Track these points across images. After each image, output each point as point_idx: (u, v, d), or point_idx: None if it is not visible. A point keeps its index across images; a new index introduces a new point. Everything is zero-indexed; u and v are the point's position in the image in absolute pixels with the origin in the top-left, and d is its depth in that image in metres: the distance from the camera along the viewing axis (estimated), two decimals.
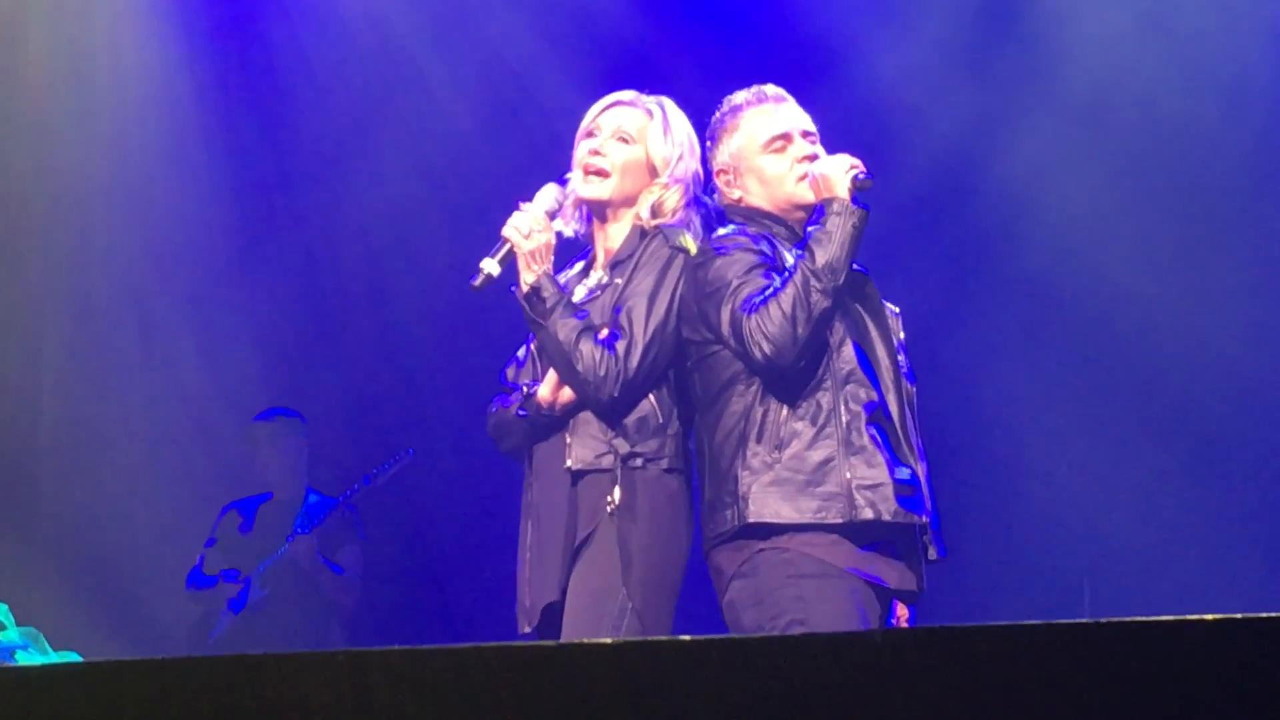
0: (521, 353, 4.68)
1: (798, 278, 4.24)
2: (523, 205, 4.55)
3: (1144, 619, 2.56)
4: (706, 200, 4.61)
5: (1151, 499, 7.70)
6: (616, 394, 4.37)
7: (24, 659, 5.40)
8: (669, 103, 4.66)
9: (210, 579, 7.89)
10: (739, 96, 4.60)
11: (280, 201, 8.50)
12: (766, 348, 4.23)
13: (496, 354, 4.96)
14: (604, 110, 4.64)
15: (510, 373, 4.67)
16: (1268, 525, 7.63)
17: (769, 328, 4.22)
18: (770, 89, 4.61)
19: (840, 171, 4.36)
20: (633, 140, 4.58)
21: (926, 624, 4.00)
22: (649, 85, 4.72)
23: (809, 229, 4.34)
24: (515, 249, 4.48)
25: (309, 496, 7.96)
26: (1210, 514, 7.65)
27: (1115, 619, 2.56)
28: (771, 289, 4.26)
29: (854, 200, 4.33)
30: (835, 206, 4.32)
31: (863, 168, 4.37)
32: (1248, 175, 7.75)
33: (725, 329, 4.31)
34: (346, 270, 8.48)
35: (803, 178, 4.46)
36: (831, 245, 4.27)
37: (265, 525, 7.91)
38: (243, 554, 7.85)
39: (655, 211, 4.55)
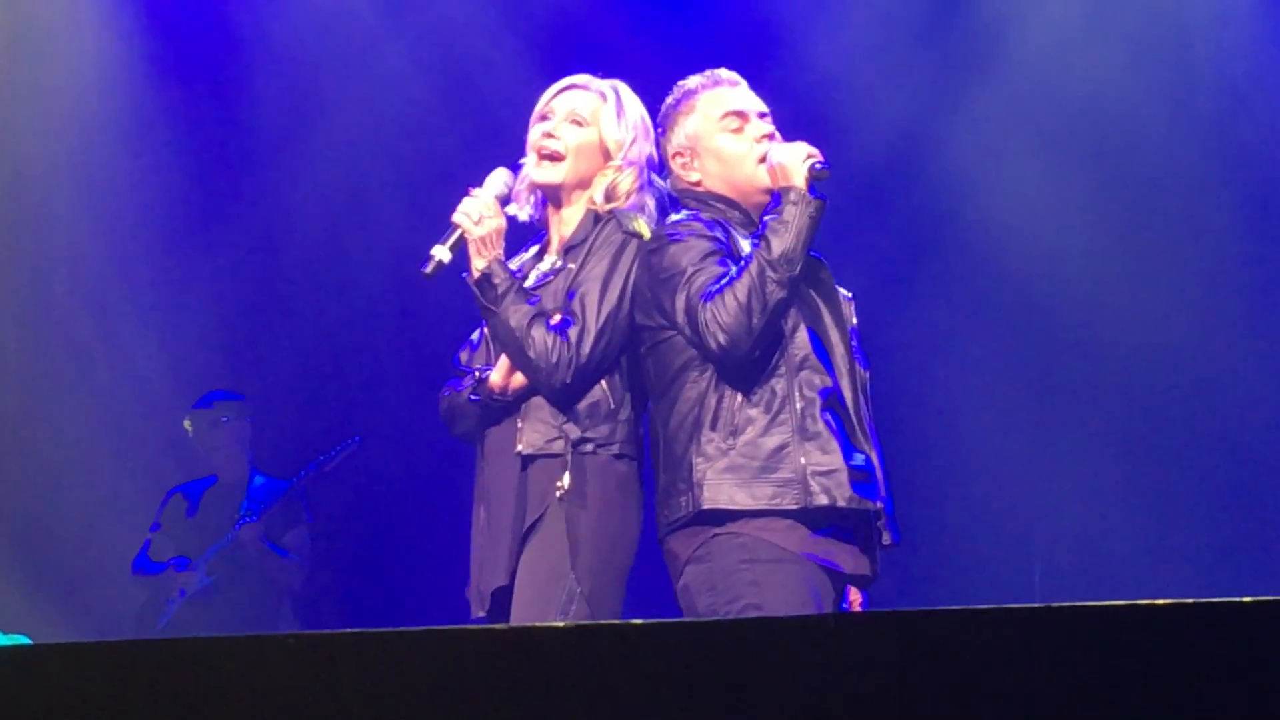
0: (475, 336, 4.67)
1: (753, 267, 4.23)
2: (473, 191, 4.54)
3: (1093, 604, 2.57)
4: (661, 184, 4.61)
5: (1101, 484, 7.74)
6: (569, 380, 4.36)
7: None
8: (623, 86, 4.65)
9: (158, 565, 7.86)
10: (692, 81, 4.60)
11: (233, 183, 8.46)
12: (721, 338, 4.22)
13: (449, 336, 4.95)
14: (558, 94, 4.63)
15: (463, 356, 4.66)
16: (1217, 511, 7.68)
17: (724, 318, 4.21)
18: (724, 73, 4.60)
19: (797, 160, 4.34)
20: (586, 123, 4.58)
21: (879, 608, 4.02)
22: (600, 69, 4.72)
23: (765, 218, 4.33)
24: (466, 235, 4.47)
25: (254, 479, 7.94)
26: (1160, 500, 7.69)
27: (1065, 603, 2.57)
28: (727, 278, 4.25)
29: (811, 190, 4.32)
30: (792, 195, 4.30)
31: (820, 156, 4.35)
32: (1195, 164, 7.79)
33: (680, 317, 4.30)
34: (299, 253, 8.45)
35: (762, 159, 4.46)
36: (788, 235, 4.26)
37: (211, 509, 7.89)
38: (188, 538, 7.83)
39: (609, 195, 4.54)
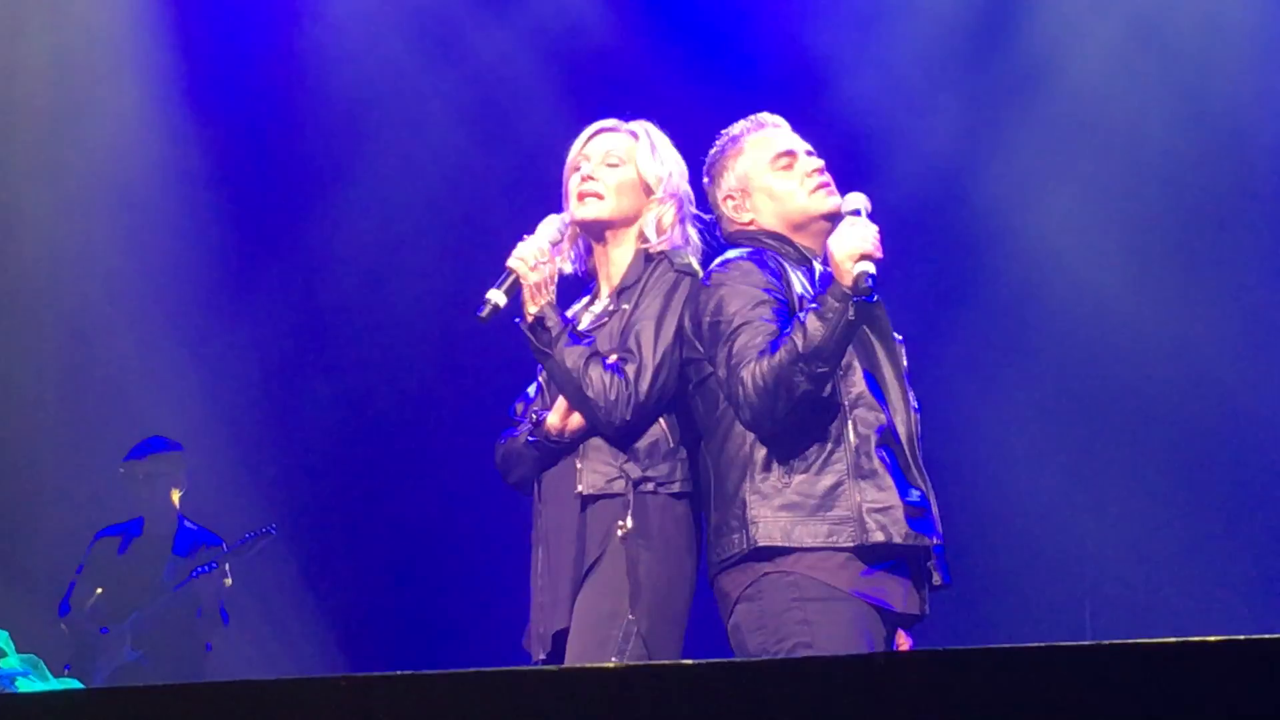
0: (531, 389, 4.68)
1: (784, 356, 4.14)
2: (526, 237, 4.56)
3: (1145, 640, 2.55)
4: (702, 217, 4.63)
5: (1151, 519, 7.70)
6: (628, 417, 4.37)
7: (25, 686, 5.40)
8: (651, 126, 4.69)
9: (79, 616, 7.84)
10: (736, 127, 4.63)
11: (272, 230, 8.50)
12: (747, 414, 4.21)
13: (499, 379, 4.96)
14: (589, 139, 4.66)
15: (519, 408, 4.67)
16: (1269, 545, 7.63)
17: (750, 397, 4.18)
18: (767, 116, 4.64)
19: (849, 259, 4.17)
20: (622, 162, 4.61)
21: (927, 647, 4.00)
22: (642, 111, 4.74)
23: (816, 295, 4.25)
24: (521, 279, 4.49)
25: (182, 525, 7.87)
26: (1212, 534, 7.65)
27: (1116, 641, 2.56)
28: (764, 351, 4.20)
29: (854, 296, 4.16)
30: (837, 292, 4.15)
31: (873, 266, 4.17)
32: (1241, 200, 7.76)
33: (721, 370, 4.30)
34: (340, 299, 8.49)
35: (818, 188, 4.46)
36: (824, 329, 4.13)
37: (137, 558, 7.83)
38: (113, 585, 7.78)
39: (657, 229, 4.57)
